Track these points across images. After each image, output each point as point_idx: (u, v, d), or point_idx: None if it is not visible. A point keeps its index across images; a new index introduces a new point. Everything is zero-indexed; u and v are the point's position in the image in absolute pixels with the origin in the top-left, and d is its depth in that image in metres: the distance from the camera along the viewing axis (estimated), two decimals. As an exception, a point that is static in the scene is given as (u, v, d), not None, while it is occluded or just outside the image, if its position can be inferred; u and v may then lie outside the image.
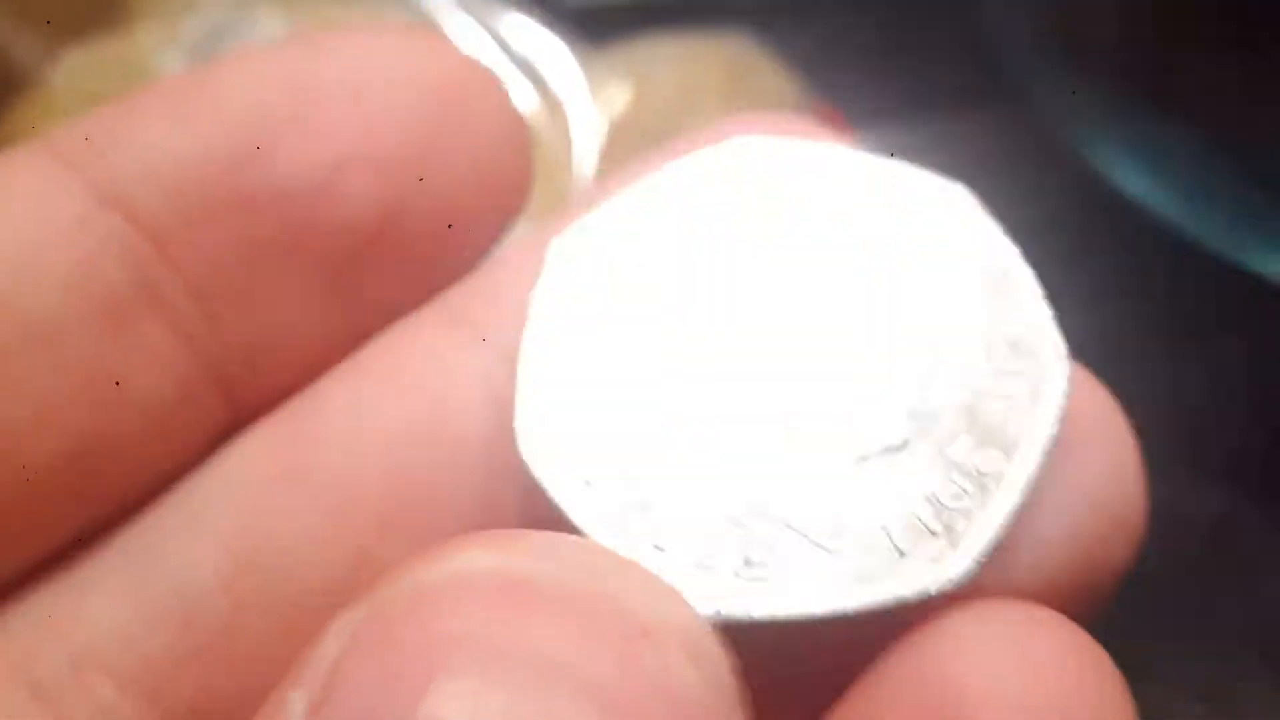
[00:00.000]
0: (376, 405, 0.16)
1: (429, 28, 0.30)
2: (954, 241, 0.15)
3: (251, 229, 0.16)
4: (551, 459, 0.14)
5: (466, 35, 0.31)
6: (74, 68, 0.28)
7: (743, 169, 0.16)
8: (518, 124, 0.17)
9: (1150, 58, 0.30)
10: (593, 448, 0.15)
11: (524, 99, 0.31)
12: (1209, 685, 0.27)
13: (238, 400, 0.16)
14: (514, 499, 0.15)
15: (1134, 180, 0.30)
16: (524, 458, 0.15)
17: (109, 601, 0.15)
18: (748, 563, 0.14)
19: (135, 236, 0.15)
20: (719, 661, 0.12)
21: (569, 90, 0.31)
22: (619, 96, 0.31)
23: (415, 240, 0.16)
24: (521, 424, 0.15)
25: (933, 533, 0.14)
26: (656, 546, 0.14)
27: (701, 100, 0.32)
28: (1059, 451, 0.15)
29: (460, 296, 0.16)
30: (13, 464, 0.15)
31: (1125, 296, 0.32)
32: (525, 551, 0.12)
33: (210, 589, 0.15)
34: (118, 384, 0.15)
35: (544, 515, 0.14)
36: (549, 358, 0.15)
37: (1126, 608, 0.27)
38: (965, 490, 0.14)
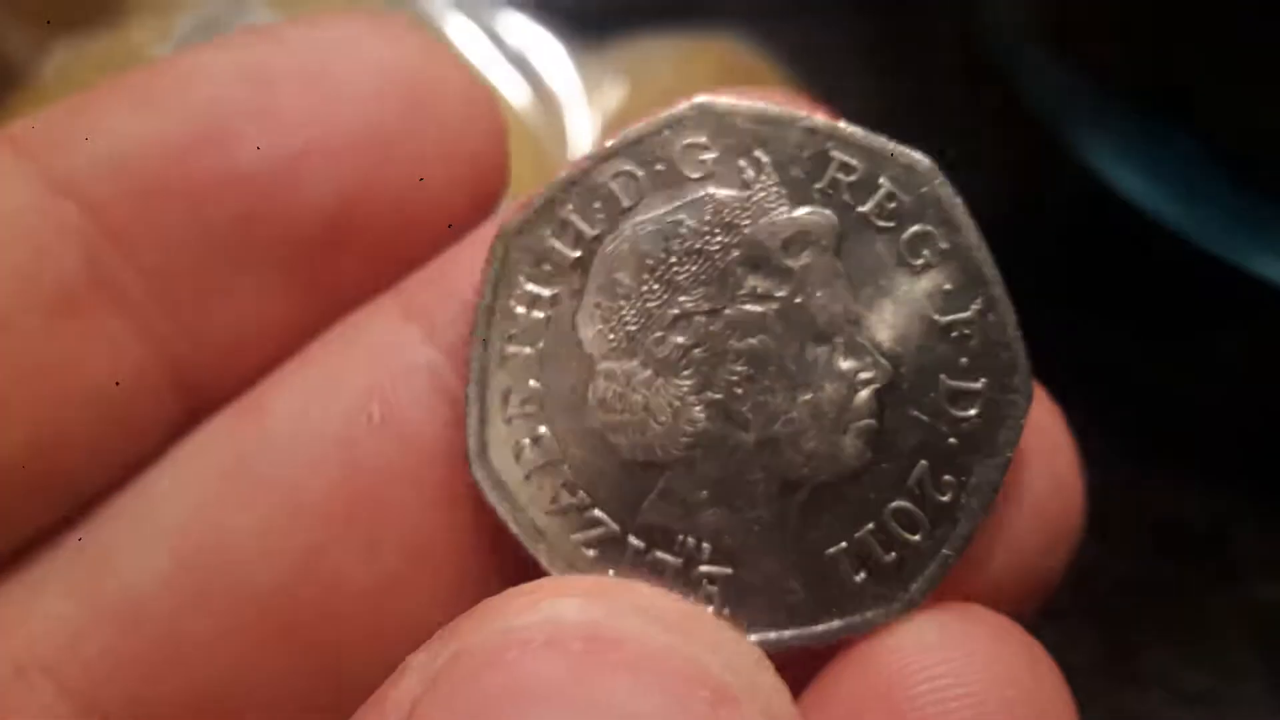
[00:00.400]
0: (325, 401, 0.15)
1: (399, 16, 0.30)
2: (919, 235, 0.15)
3: (208, 219, 0.15)
4: (502, 485, 0.14)
5: (462, 32, 0.31)
6: (66, 62, 0.28)
7: (697, 139, 0.15)
8: (488, 111, 0.17)
9: (1147, 59, 0.30)
10: (545, 470, 0.14)
11: (519, 96, 0.30)
12: (1202, 687, 0.26)
13: (196, 392, 0.16)
14: (465, 495, 0.15)
15: (1130, 181, 0.30)
16: (476, 481, 0.14)
17: (54, 603, 0.15)
18: (700, 593, 0.14)
19: (89, 225, 0.15)
20: None
21: (564, 88, 0.31)
22: (613, 95, 0.31)
23: (378, 230, 0.16)
24: (473, 446, 0.14)
25: (885, 564, 0.14)
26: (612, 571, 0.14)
27: (694, 94, 0.31)
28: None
29: (414, 287, 0.16)
30: None
31: (1119, 296, 0.32)
32: (617, 605, 0.12)
33: (155, 590, 0.15)
34: (73, 374, 0.15)
35: (494, 515, 0.14)
36: (495, 368, 0.15)
37: (1119, 610, 0.27)
38: (919, 521, 0.14)
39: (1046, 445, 0.15)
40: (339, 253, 0.16)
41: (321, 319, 0.16)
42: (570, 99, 0.31)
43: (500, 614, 0.12)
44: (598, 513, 0.14)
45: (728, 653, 0.12)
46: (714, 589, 0.14)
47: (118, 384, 0.15)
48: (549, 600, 0.12)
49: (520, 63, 0.31)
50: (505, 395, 0.15)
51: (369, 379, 0.15)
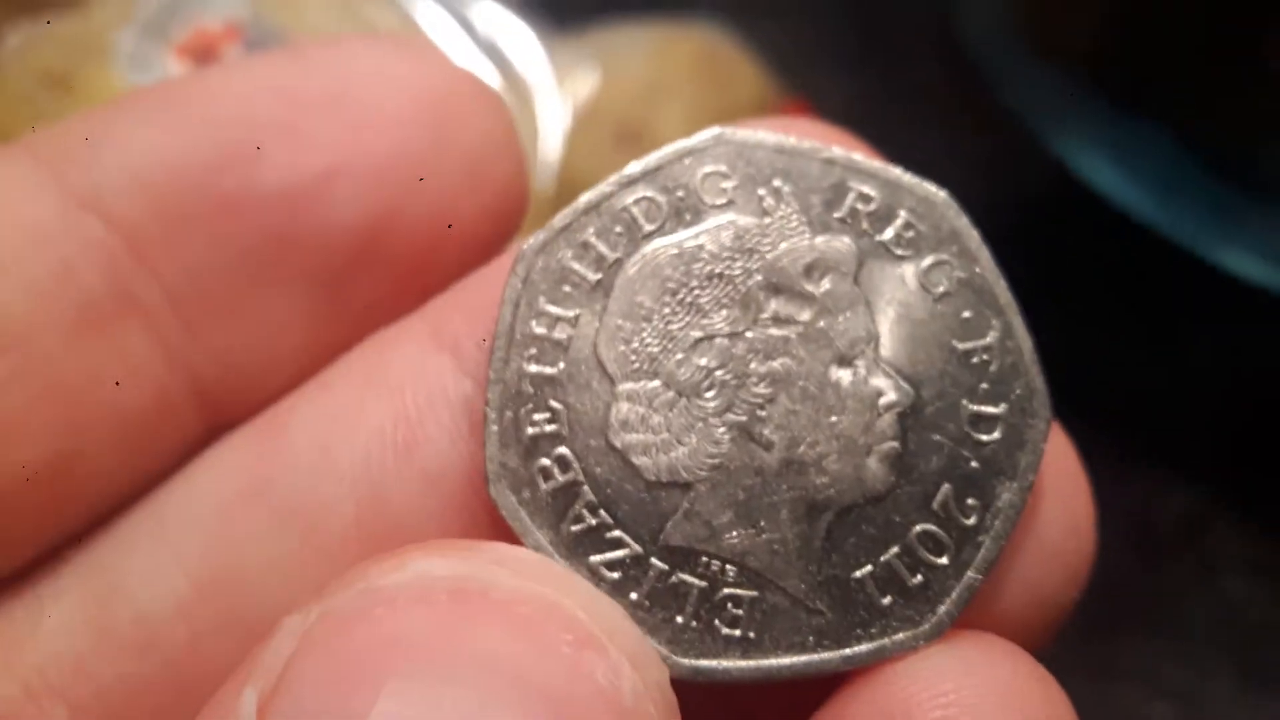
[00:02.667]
0: (348, 428, 0.15)
1: (416, 32, 0.30)
2: (937, 264, 0.15)
3: (233, 237, 0.15)
4: (521, 506, 0.14)
5: (433, 19, 0.31)
6: (26, 45, 0.27)
7: (718, 168, 0.15)
8: (512, 135, 0.17)
9: (1121, 55, 0.30)
10: (567, 490, 0.14)
11: (489, 82, 0.30)
12: (1176, 683, 0.26)
13: (217, 412, 0.16)
14: (487, 523, 0.15)
15: (1104, 176, 0.30)
16: (495, 503, 0.14)
17: (67, 624, 0.15)
18: (725, 615, 0.14)
19: (113, 242, 0.15)
20: (659, 670, 0.13)
21: (535, 76, 0.31)
22: (586, 83, 0.30)
23: (404, 252, 0.16)
24: (492, 468, 0.14)
25: (911, 587, 0.14)
26: (632, 599, 0.14)
27: (669, 88, 0.31)
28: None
29: (443, 312, 0.16)
30: None
31: (1094, 291, 0.32)
32: (479, 560, 0.12)
33: (169, 616, 0.15)
34: (92, 391, 0.15)
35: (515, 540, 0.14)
36: (517, 388, 0.15)
37: (1095, 607, 0.26)
38: (944, 543, 0.14)
39: (1060, 477, 0.15)
40: (364, 274, 0.16)
41: (345, 340, 0.16)
42: (542, 86, 0.31)
43: (366, 574, 0.12)
44: (619, 534, 0.14)
45: (590, 601, 0.12)
46: (739, 612, 0.14)
47: (138, 402, 0.15)
48: (414, 559, 0.12)
49: (491, 50, 0.31)
50: (526, 416, 0.15)
51: (395, 407, 0.15)
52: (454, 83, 0.16)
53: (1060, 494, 0.15)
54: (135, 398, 0.15)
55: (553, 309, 0.15)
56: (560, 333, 0.15)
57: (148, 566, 0.15)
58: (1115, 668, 0.26)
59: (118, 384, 0.15)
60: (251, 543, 0.15)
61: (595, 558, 0.14)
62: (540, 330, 0.15)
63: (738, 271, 0.15)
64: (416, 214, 0.16)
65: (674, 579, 0.14)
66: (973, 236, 0.15)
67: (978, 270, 0.15)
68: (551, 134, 0.30)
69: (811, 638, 0.14)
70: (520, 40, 0.31)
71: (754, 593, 0.14)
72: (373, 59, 0.16)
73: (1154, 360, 0.31)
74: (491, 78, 0.30)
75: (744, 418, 0.15)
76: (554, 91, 0.30)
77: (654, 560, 0.14)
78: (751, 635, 0.14)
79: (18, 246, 0.15)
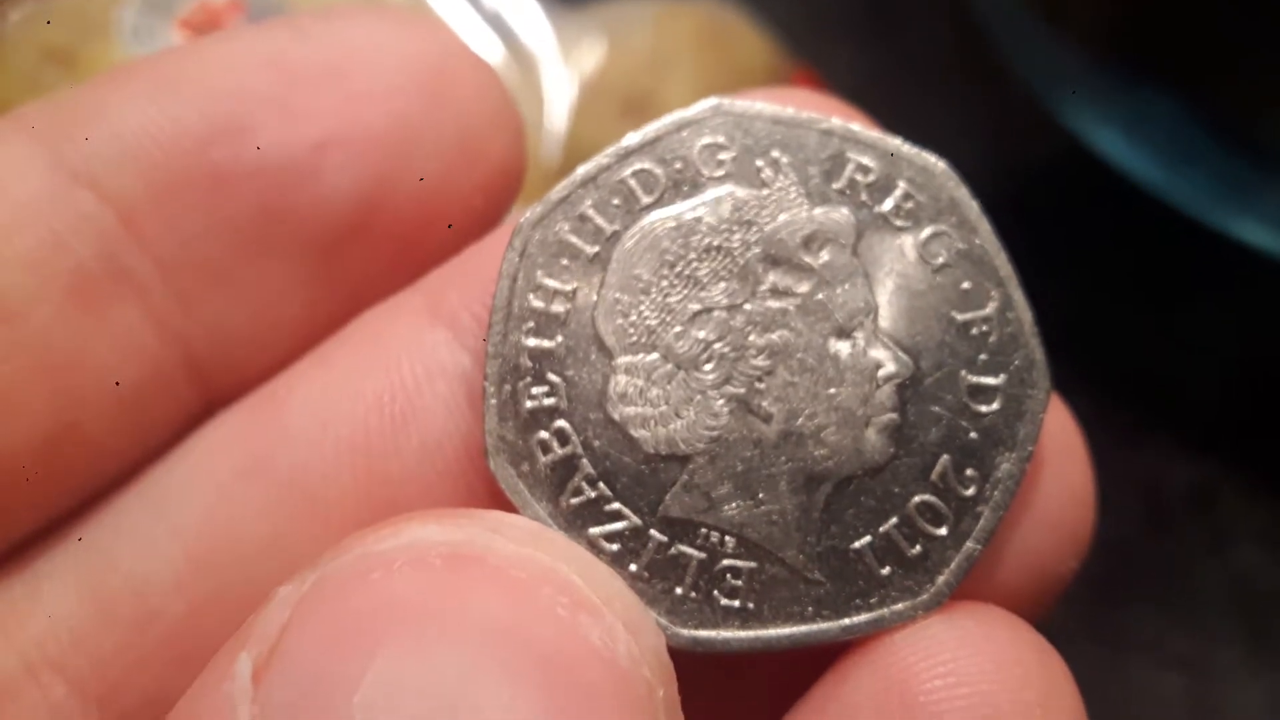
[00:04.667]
0: (345, 401, 0.15)
1: (421, 5, 0.30)
2: (936, 235, 0.15)
3: (226, 210, 0.15)
4: (520, 479, 0.14)
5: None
6: (29, 20, 0.27)
7: (715, 139, 0.15)
8: (508, 108, 0.17)
9: (1133, 26, 0.29)
10: (566, 463, 0.14)
11: (495, 56, 0.30)
12: (1187, 652, 0.26)
13: (212, 386, 0.16)
14: (485, 495, 0.15)
15: (1113, 145, 0.30)
16: (494, 476, 0.14)
17: (64, 599, 0.15)
18: (724, 586, 0.14)
19: (106, 215, 0.15)
20: (655, 635, 0.12)
21: (541, 48, 0.30)
22: (591, 54, 0.30)
23: (398, 225, 0.16)
24: (491, 442, 0.14)
25: (910, 557, 0.14)
26: (631, 571, 0.14)
27: (675, 60, 0.31)
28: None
29: (439, 285, 0.16)
30: None
31: (1104, 261, 0.32)
32: (475, 527, 0.12)
33: (167, 590, 0.15)
34: (86, 366, 0.15)
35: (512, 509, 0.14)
36: (515, 361, 0.15)
37: (1105, 578, 0.26)
38: (943, 514, 0.14)
39: (1059, 449, 0.15)
40: (358, 247, 0.16)
41: (340, 314, 0.16)
42: (547, 58, 0.30)
43: (362, 541, 0.12)
44: (618, 506, 0.14)
45: (585, 565, 0.12)
46: (738, 583, 0.14)
47: (132, 376, 0.15)
48: (410, 526, 0.12)
49: (496, 21, 0.31)
50: (524, 389, 0.15)
51: (392, 380, 0.15)
52: (447, 55, 0.16)
53: (1060, 465, 0.15)
54: (129, 370, 0.15)
55: (550, 282, 0.15)
56: (558, 306, 0.15)
57: (145, 541, 0.15)
58: (1125, 638, 0.26)
59: (111, 356, 0.15)
60: (249, 516, 0.15)
61: (595, 530, 0.14)
62: (538, 304, 0.15)
63: (736, 244, 0.15)
64: (410, 186, 0.16)
65: (673, 550, 0.14)
66: (972, 207, 0.15)
67: (977, 241, 0.15)
68: (557, 106, 0.30)
69: (810, 608, 0.14)
70: (526, 12, 0.31)
71: (753, 564, 0.14)
72: (366, 30, 0.16)
73: (1164, 330, 0.31)
74: (497, 50, 0.30)
75: (742, 390, 0.15)
76: (560, 63, 0.30)
77: (653, 532, 0.14)
78: (750, 606, 0.14)
79: (9, 220, 0.15)
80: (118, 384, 0.15)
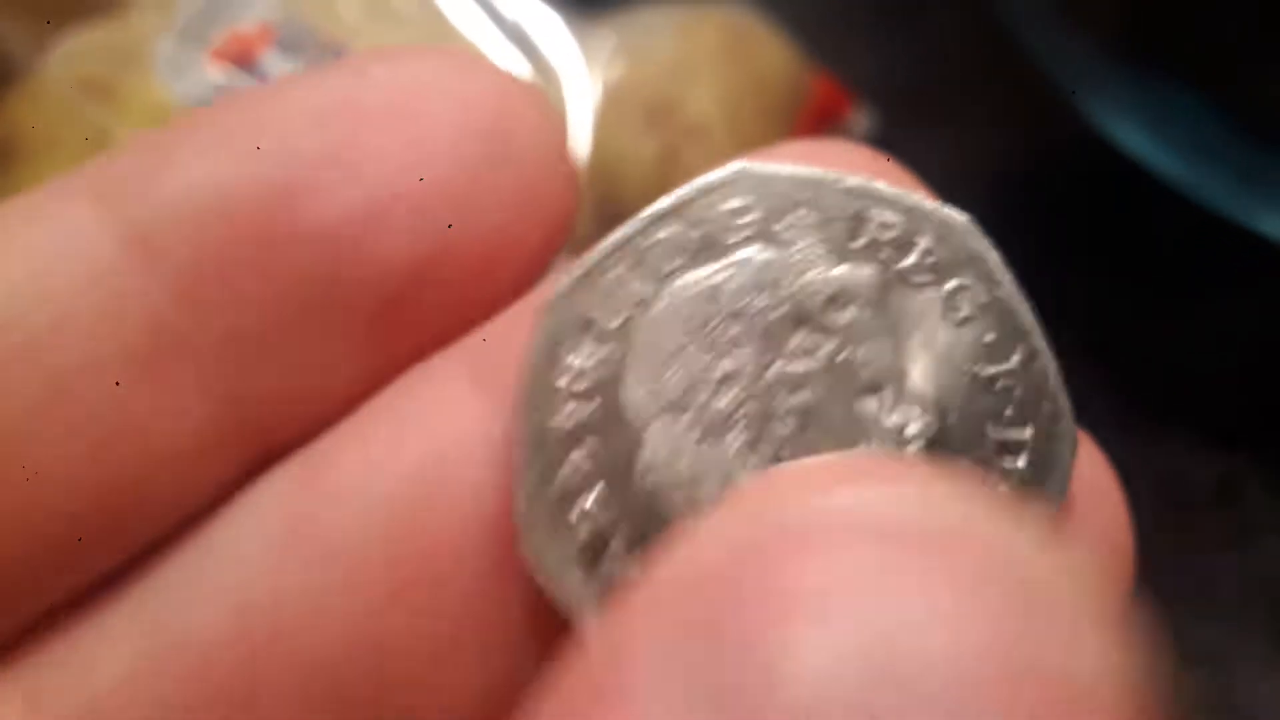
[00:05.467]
0: (384, 466, 0.15)
1: (440, 20, 0.30)
2: (958, 289, 0.15)
3: (283, 276, 0.15)
4: (555, 557, 0.14)
5: (457, 6, 0.31)
6: (68, 55, 0.28)
7: (742, 202, 0.15)
8: (566, 147, 0.16)
9: (1151, 13, 0.29)
10: (599, 538, 0.14)
11: (517, 70, 0.30)
12: (1208, 649, 0.27)
13: (265, 450, 0.16)
14: (519, 568, 0.15)
15: (1134, 138, 0.30)
16: (527, 559, 0.14)
17: (119, 653, 0.15)
18: None
19: (163, 281, 0.15)
20: (1129, 640, 0.10)
21: (562, 60, 0.31)
22: (614, 67, 0.31)
23: (455, 282, 0.15)
24: (523, 524, 0.14)
25: None
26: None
27: (698, 67, 0.31)
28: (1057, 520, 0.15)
29: (478, 347, 0.16)
30: (31, 517, 0.14)
31: (1126, 255, 0.32)
32: (895, 490, 0.11)
33: (216, 644, 0.15)
34: (138, 437, 0.15)
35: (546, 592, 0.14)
36: (542, 442, 0.14)
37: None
38: None
39: (1093, 493, 0.15)
40: (412, 308, 0.15)
41: (391, 374, 0.16)
42: (569, 72, 0.31)
43: (793, 495, 0.11)
44: None
45: (1032, 533, 0.10)
46: None
47: (183, 444, 0.15)
48: (847, 485, 0.11)
49: (518, 36, 0.31)
50: (552, 467, 0.14)
51: (428, 448, 0.15)
52: (509, 97, 0.16)
53: (1089, 503, 0.15)
54: (181, 438, 0.15)
55: (575, 361, 0.15)
56: (582, 383, 0.15)
57: (194, 600, 0.15)
58: (1146, 633, 0.27)
59: (164, 424, 0.15)
60: (291, 577, 0.15)
61: None
62: (562, 384, 0.15)
63: (761, 306, 0.15)
64: (469, 241, 0.15)
65: None
66: (993, 258, 0.15)
67: (999, 293, 0.15)
68: (580, 119, 0.30)
69: None
70: (546, 25, 0.31)
71: None
72: (430, 73, 0.15)
73: (1187, 324, 0.31)
74: (518, 62, 0.30)
75: (770, 452, 0.14)
76: (582, 75, 0.31)
77: None
78: None
79: (70, 289, 0.15)
80: (170, 452, 0.15)
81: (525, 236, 0.16)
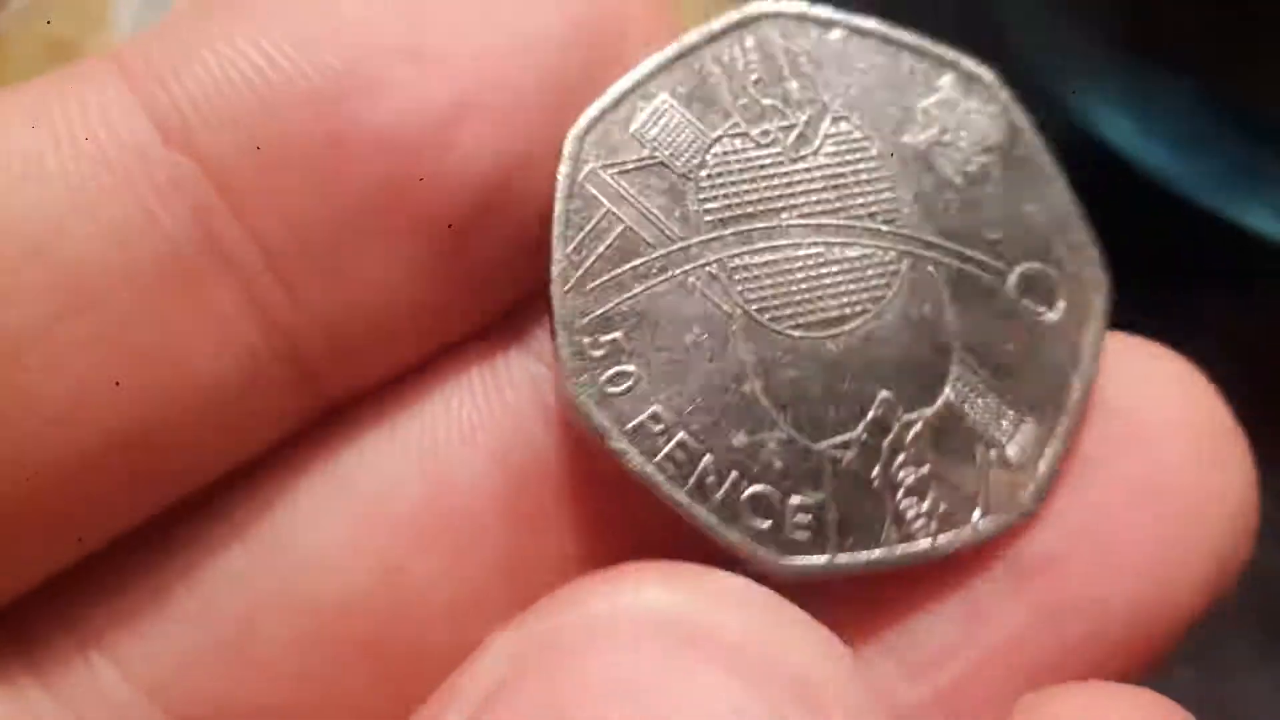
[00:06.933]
0: (417, 411, 0.14)
1: None
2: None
3: (342, 183, 0.13)
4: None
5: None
6: (26, 13, 0.27)
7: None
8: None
9: (1140, 7, 0.29)
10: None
11: None
12: (1198, 648, 0.26)
13: (318, 385, 0.14)
14: (554, 516, 0.14)
15: (1120, 131, 0.30)
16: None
17: (159, 619, 0.14)
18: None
19: (203, 182, 0.13)
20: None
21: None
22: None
23: (535, 204, 0.14)
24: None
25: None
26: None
27: None
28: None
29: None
30: (48, 452, 0.13)
31: (1112, 249, 0.31)
32: (703, 594, 0.11)
33: (226, 589, 0.14)
34: (176, 360, 0.13)
35: (596, 527, 0.14)
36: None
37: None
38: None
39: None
40: (489, 228, 0.14)
41: (463, 305, 0.14)
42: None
43: (590, 597, 0.11)
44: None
45: (819, 652, 0.11)
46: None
47: (228, 372, 0.13)
48: (636, 586, 0.11)
49: None
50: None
51: (462, 392, 0.14)
52: None
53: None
54: (226, 365, 0.13)
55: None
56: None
57: (208, 540, 0.14)
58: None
59: (205, 348, 0.13)
60: (312, 520, 0.14)
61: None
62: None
63: None
64: (554, 159, 0.14)
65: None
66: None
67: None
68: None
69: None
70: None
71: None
72: None
73: (1173, 319, 0.30)
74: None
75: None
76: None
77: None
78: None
79: (94, 184, 0.12)
80: (213, 378, 0.13)
81: None
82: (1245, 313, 0.30)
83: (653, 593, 0.11)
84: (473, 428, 0.14)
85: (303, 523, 0.14)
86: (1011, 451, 0.14)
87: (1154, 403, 0.14)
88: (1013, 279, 0.15)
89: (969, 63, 0.15)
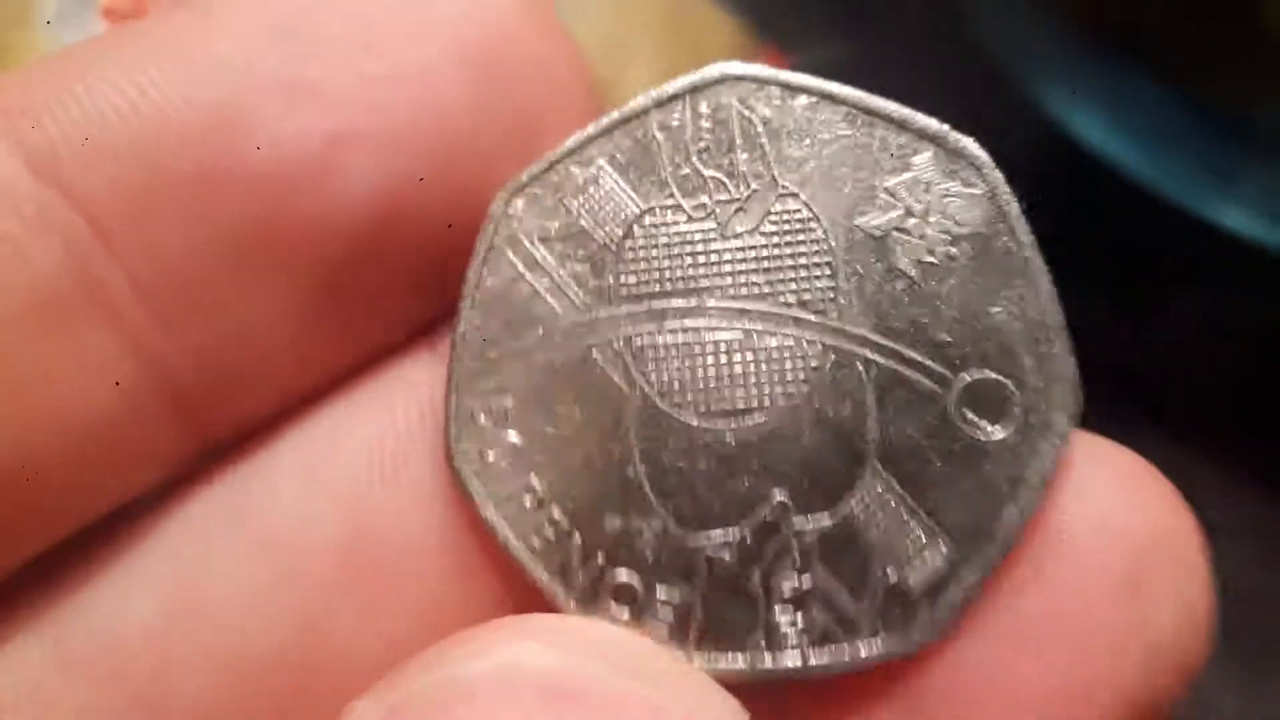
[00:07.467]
0: (336, 442, 0.14)
1: None
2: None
3: (216, 218, 0.13)
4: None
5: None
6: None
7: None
8: (577, 81, 0.14)
9: (1112, 5, 0.29)
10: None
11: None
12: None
13: (199, 422, 0.14)
14: (481, 562, 0.13)
15: (1091, 128, 0.29)
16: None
17: (28, 654, 0.14)
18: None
19: (74, 220, 0.13)
20: None
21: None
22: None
23: (422, 239, 0.13)
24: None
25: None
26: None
27: (635, 45, 0.30)
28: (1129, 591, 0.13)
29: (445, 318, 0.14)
30: None
31: (1082, 248, 0.31)
32: (576, 650, 0.11)
33: (135, 646, 0.13)
34: (48, 394, 0.13)
35: (518, 585, 0.13)
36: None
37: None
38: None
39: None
40: (373, 265, 0.13)
41: (347, 339, 0.14)
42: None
43: (450, 659, 0.11)
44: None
45: (694, 699, 0.11)
46: None
47: (103, 407, 0.13)
48: (503, 645, 0.11)
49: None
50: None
51: (385, 424, 0.14)
52: (505, 11, 0.13)
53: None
54: (102, 403, 0.13)
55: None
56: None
57: (115, 594, 0.14)
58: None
59: (78, 383, 0.13)
60: (226, 568, 0.13)
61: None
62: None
63: None
64: (444, 193, 0.13)
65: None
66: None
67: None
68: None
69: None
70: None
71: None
72: None
73: (1144, 319, 0.30)
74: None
75: None
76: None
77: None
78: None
79: None
80: (89, 416, 0.13)
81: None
82: (1217, 310, 0.30)
83: (521, 649, 0.11)
84: (394, 466, 0.14)
85: (215, 571, 0.14)
86: (914, 578, 0.13)
87: (1098, 521, 0.13)
88: (957, 388, 0.13)
89: (957, 138, 0.14)
